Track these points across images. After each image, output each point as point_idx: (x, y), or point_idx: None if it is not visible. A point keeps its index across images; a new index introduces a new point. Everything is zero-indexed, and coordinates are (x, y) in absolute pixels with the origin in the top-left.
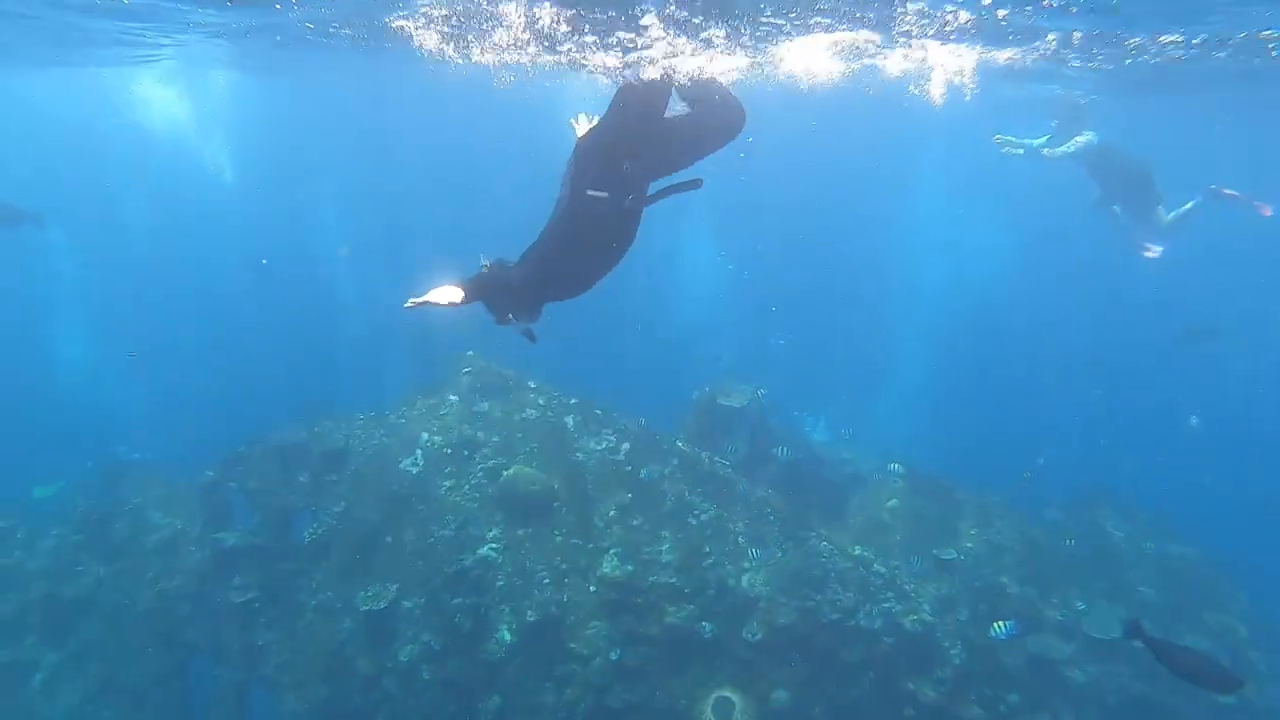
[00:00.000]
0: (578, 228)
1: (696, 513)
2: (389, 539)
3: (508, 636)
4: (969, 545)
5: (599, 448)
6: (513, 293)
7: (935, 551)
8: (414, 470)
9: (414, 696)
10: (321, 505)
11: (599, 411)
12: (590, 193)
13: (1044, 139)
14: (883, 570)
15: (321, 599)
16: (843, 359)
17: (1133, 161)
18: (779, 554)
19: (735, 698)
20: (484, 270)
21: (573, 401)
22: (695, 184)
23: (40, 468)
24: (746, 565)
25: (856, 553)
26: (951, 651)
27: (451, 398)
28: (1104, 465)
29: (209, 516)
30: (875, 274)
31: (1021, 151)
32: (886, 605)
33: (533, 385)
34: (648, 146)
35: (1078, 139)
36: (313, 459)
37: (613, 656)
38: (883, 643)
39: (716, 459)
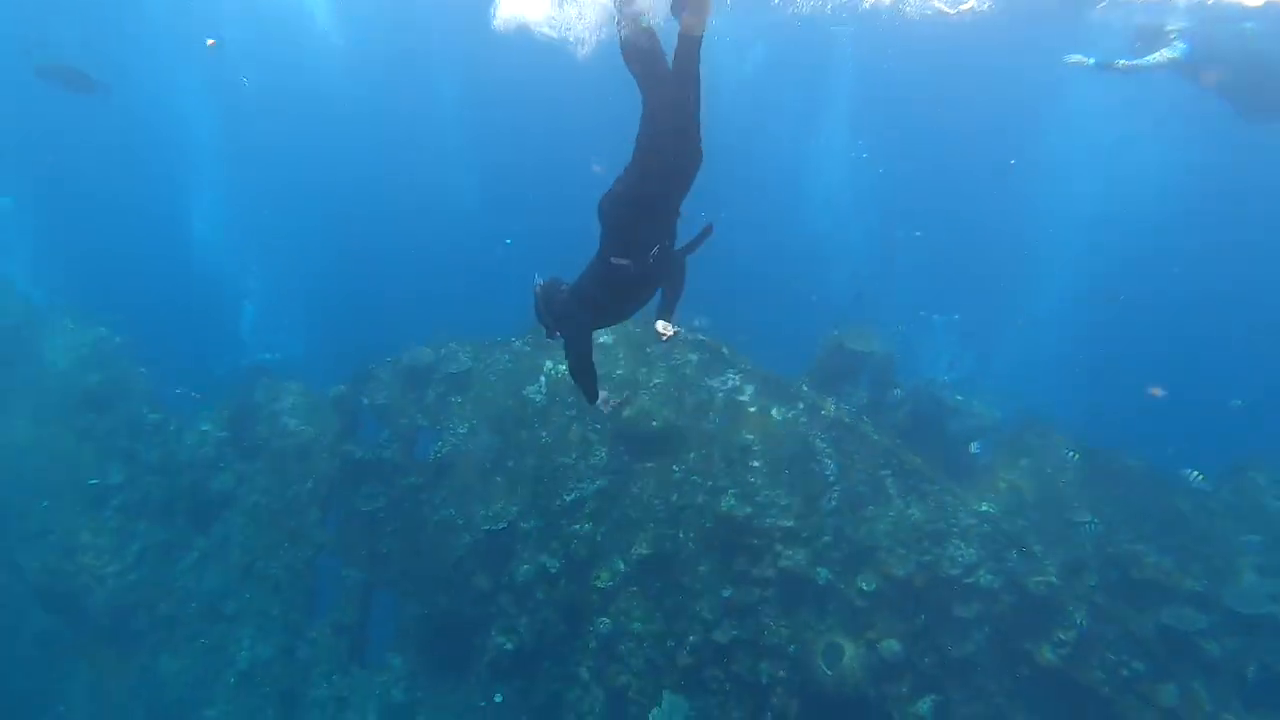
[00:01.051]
0: (609, 283)
1: (819, 459)
2: (510, 463)
3: (621, 566)
4: (1105, 509)
5: (723, 387)
6: (554, 315)
7: (1068, 513)
8: (537, 398)
9: (527, 614)
10: (446, 425)
11: (725, 350)
12: (614, 260)
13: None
14: (1009, 529)
15: (443, 515)
16: (982, 302)
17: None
18: (901, 505)
19: (845, 644)
20: (536, 289)
21: (699, 339)
22: (708, 231)
23: (188, 367)
24: (867, 515)
25: (983, 509)
26: (1076, 616)
27: None
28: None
29: (340, 428)
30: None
31: (1091, 62)
32: (1010, 564)
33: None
34: (662, 201)
35: (1164, 52)
36: (439, 380)
37: (724, 594)
38: (1002, 601)
39: (843, 406)
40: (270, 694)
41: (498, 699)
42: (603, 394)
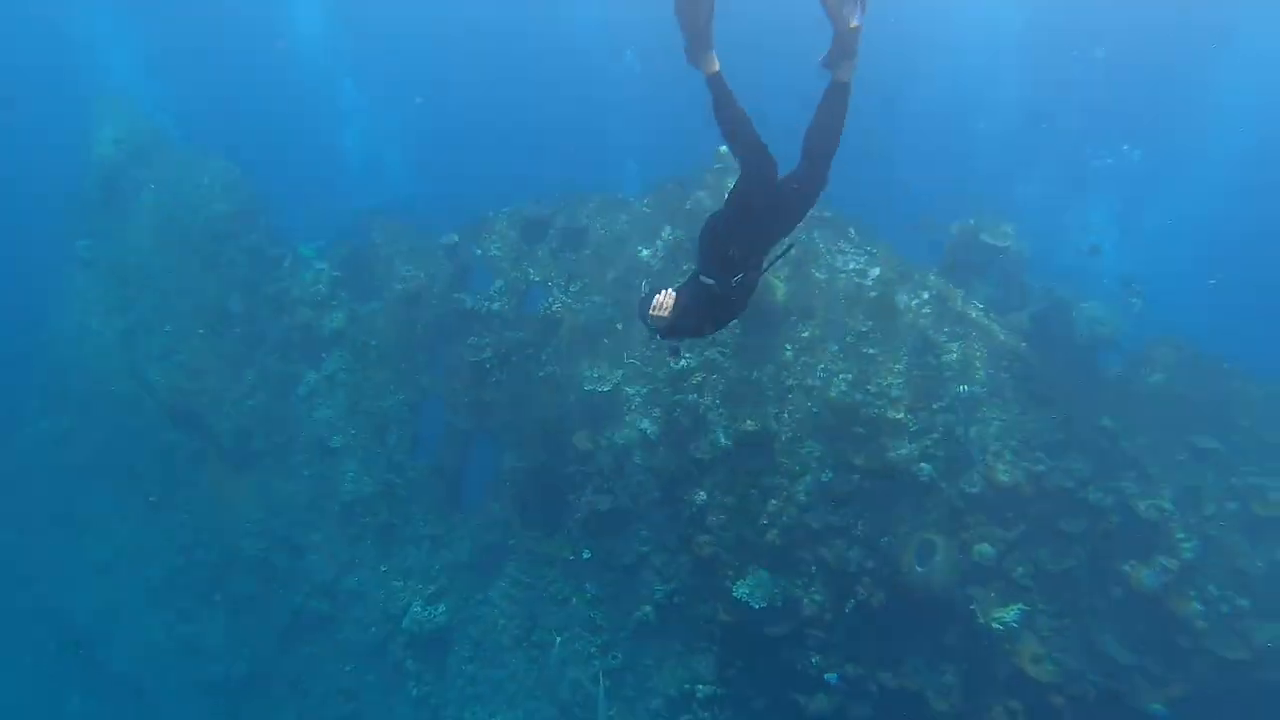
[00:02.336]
0: (700, 298)
1: (938, 352)
2: (620, 326)
3: (722, 440)
4: (1236, 438)
5: (847, 268)
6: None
7: (1193, 438)
8: (652, 263)
9: (623, 478)
10: (558, 282)
11: (852, 231)
12: (703, 279)
13: None
14: (1128, 447)
15: (548, 371)
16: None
17: None
18: (1017, 410)
19: (939, 542)
20: (643, 295)
21: (826, 215)
22: (790, 249)
23: (308, 205)
24: (980, 416)
25: (1105, 424)
26: (1185, 545)
27: (698, 193)
28: None
29: (451, 276)
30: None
31: None
32: (1124, 485)
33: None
34: (753, 227)
35: None
36: (555, 235)
37: (823, 478)
38: (1108, 520)
39: (972, 300)
40: (370, 526)
41: (585, 555)
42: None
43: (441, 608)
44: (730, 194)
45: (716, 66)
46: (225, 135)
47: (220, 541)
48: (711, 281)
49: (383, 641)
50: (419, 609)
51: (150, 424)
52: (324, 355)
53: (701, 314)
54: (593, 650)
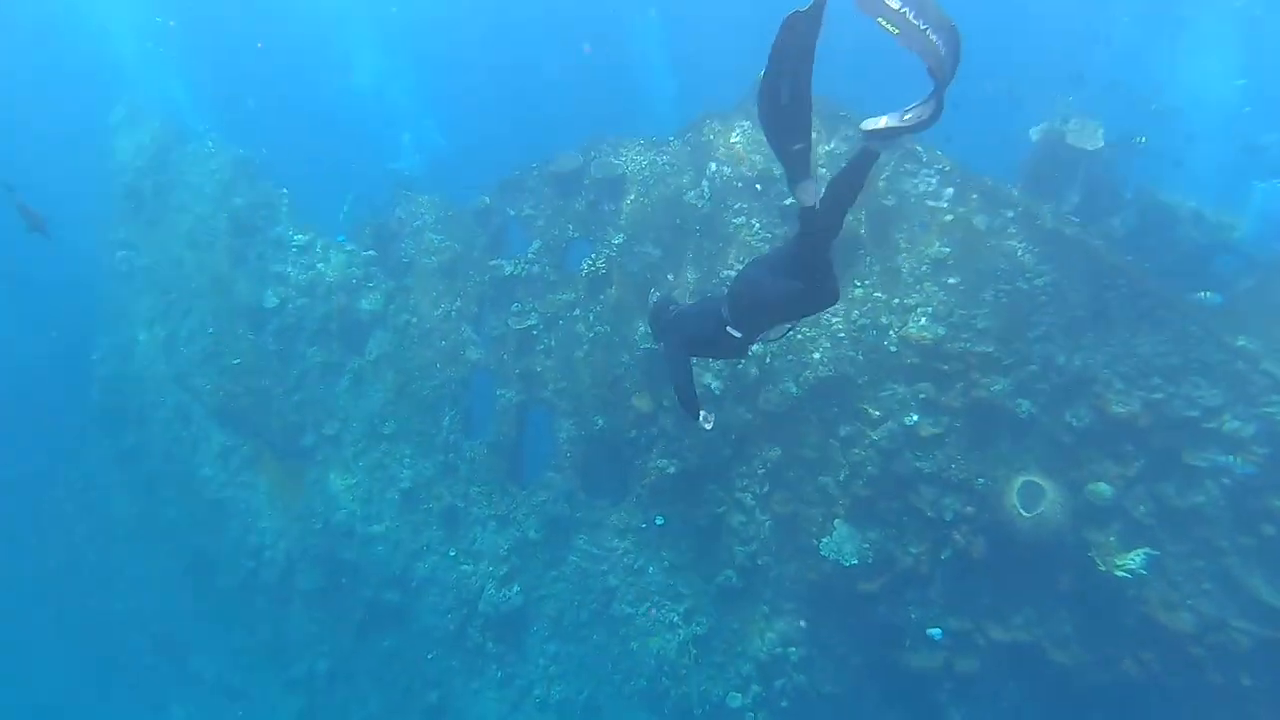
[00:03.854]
0: (710, 333)
1: (1029, 276)
2: (670, 276)
3: (794, 389)
4: None
5: (918, 190)
6: (659, 329)
7: None
8: (700, 203)
9: (690, 435)
10: (599, 236)
11: (919, 149)
12: (729, 330)
13: None
14: (1273, 370)
15: (599, 331)
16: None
17: None
18: (1127, 333)
19: (1046, 485)
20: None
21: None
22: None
23: (330, 181)
24: (1084, 342)
25: (1239, 344)
26: None
27: (745, 123)
28: None
29: (486, 241)
30: None
31: None
32: (1269, 410)
33: (842, 113)
34: (783, 308)
35: None
36: (590, 186)
37: (907, 421)
38: (1251, 452)
39: (1065, 214)
40: (433, 511)
41: (659, 522)
42: (704, 413)
43: (516, 588)
44: (788, 288)
45: (813, 201)
46: (238, 120)
47: (286, 541)
48: (739, 336)
49: (460, 626)
50: (493, 592)
51: (203, 431)
52: (365, 339)
53: (699, 346)
54: (675, 619)
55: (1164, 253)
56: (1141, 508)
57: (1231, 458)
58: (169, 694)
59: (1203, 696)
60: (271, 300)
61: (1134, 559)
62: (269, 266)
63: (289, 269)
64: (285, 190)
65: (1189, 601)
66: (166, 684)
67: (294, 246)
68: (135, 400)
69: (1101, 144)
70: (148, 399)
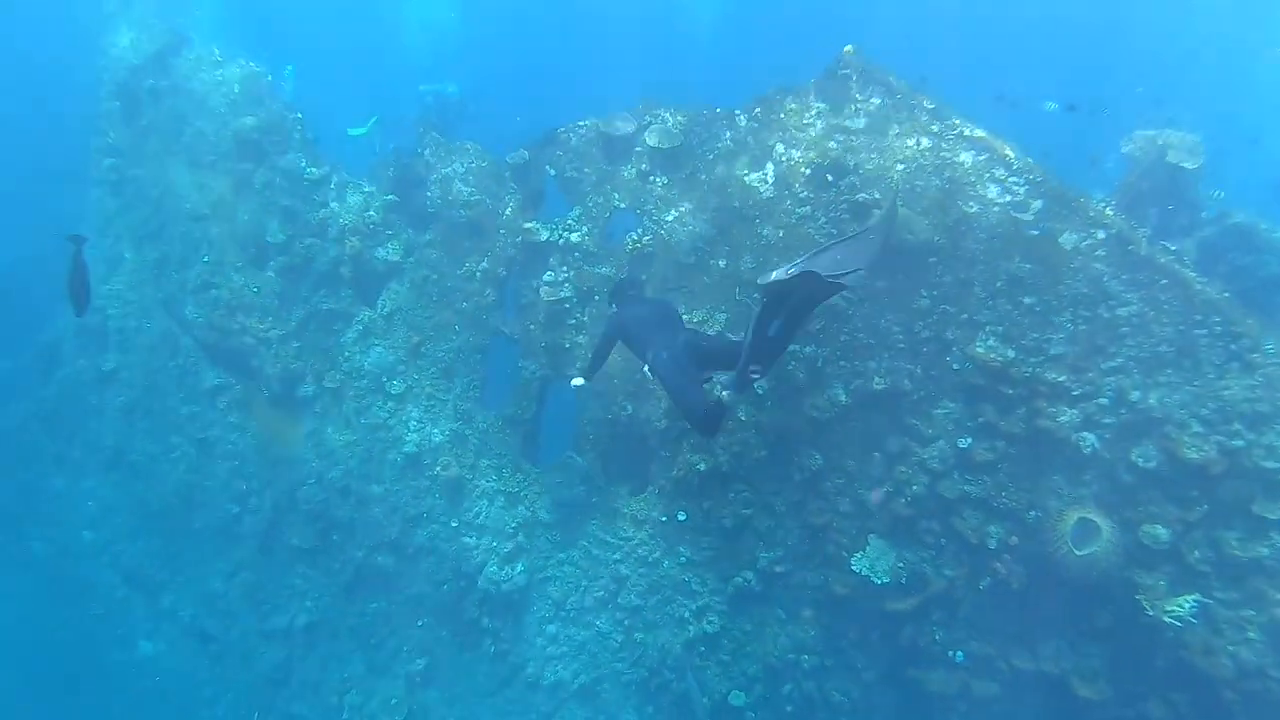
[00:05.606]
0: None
1: (1113, 303)
2: (722, 262)
3: (842, 397)
4: None
5: (1001, 200)
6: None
7: None
8: (762, 188)
9: (726, 434)
10: (647, 209)
11: (1009, 154)
12: (649, 371)
13: None
14: None
15: None
16: None
17: None
18: (1213, 375)
19: (1102, 523)
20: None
21: (975, 135)
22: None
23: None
24: (1163, 380)
25: None
26: None
27: (818, 105)
28: None
29: (521, 200)
30: None
31: None
32: None
33: (928, 105)
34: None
35: None
36: (643, 154)
37: (960, 444)
38: None
39: (1161, 242)
40: (439, 479)
41: (681, 517)
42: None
43: (520, 566)
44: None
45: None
46: (249, 28)
47: (274, 490)
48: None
49: (457, 599)
50: (495, 569)
51: (192, 363)
52: (378, 291)
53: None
54: (686, 615)
55: (1240, 279)
56: (1196, 553)
57: None
58: (138, 629)
59: None
60: (277, 235)
61: (1183, 604)
62: (276, 198)
63: (299, 204)
64: (299, 115)
65: (1230, 648)
66: (136, 619)
67: (306, 180)
68: (119, 322)
69: (1202, 161)
70: (131, 323)
